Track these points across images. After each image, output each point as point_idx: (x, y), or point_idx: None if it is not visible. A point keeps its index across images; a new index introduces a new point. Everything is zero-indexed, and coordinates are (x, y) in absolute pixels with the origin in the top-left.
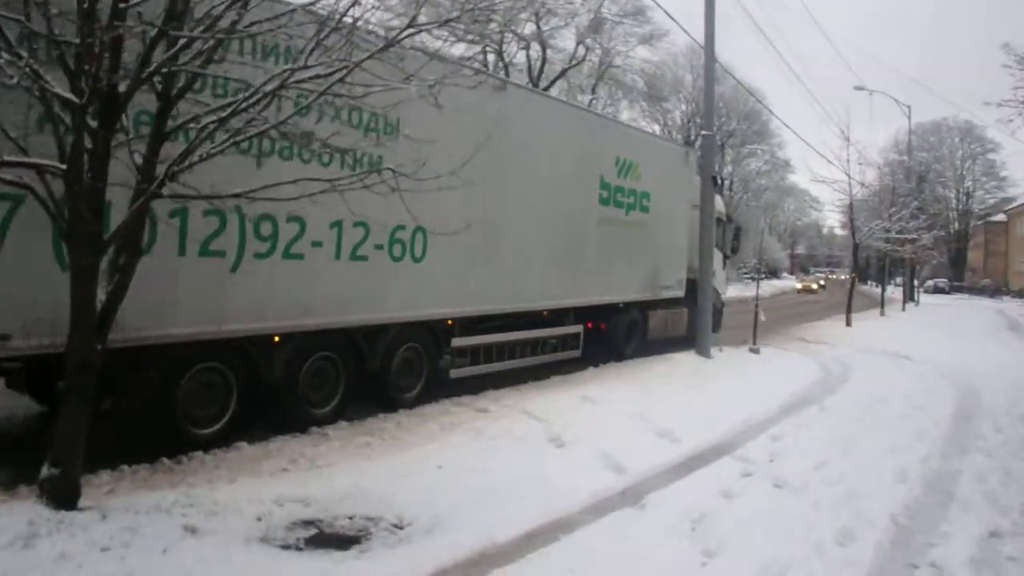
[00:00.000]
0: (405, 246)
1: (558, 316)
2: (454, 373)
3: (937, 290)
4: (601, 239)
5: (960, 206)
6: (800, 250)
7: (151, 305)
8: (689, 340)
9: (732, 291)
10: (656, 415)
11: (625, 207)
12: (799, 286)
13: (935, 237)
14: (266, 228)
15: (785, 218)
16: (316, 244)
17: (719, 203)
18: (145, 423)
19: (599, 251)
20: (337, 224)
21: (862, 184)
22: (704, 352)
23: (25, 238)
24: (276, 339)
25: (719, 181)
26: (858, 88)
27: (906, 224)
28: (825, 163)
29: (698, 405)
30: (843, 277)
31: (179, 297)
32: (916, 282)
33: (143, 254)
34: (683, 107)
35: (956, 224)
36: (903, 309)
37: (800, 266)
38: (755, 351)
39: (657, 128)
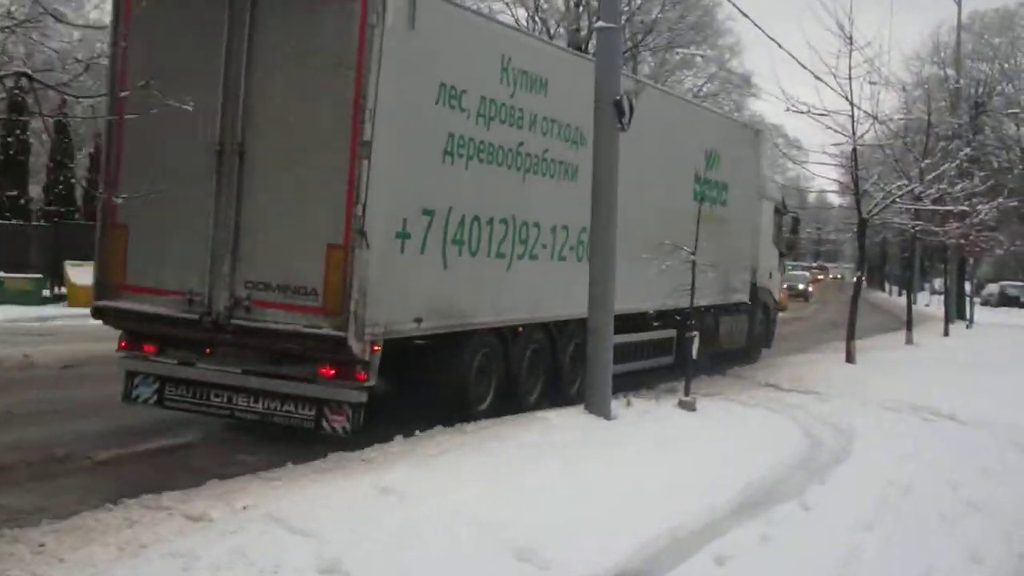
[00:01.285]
0: (584, 247)
1: (655, 320)
2: (630, 366)
3: (1005, 300)
4: (691, 237)
5: None
6: None
7: (475, 296)
8: (746, 355)
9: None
10: (512, 521)
11: (709, 201)
12: None
13: (1002, 208)
14: (523, 233)
15: None
16: (544, 246)
17: (774, 188)
18: (445, 396)
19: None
20: (553, 228)
21: (874, 118)
22: (599, 408)
23: (432, 244)
24: (519, 330)
25: (627, 110)
26: None
27: (950, 187)
28: (811, 81)
29: (587, 502)
30: (837, 276)
31: (484, 291)
32: (969, 287)
33: (473, 255)
34: None
35: None
36: (945, 333)
37: None
38: (688, 405)
39: (523, 16)
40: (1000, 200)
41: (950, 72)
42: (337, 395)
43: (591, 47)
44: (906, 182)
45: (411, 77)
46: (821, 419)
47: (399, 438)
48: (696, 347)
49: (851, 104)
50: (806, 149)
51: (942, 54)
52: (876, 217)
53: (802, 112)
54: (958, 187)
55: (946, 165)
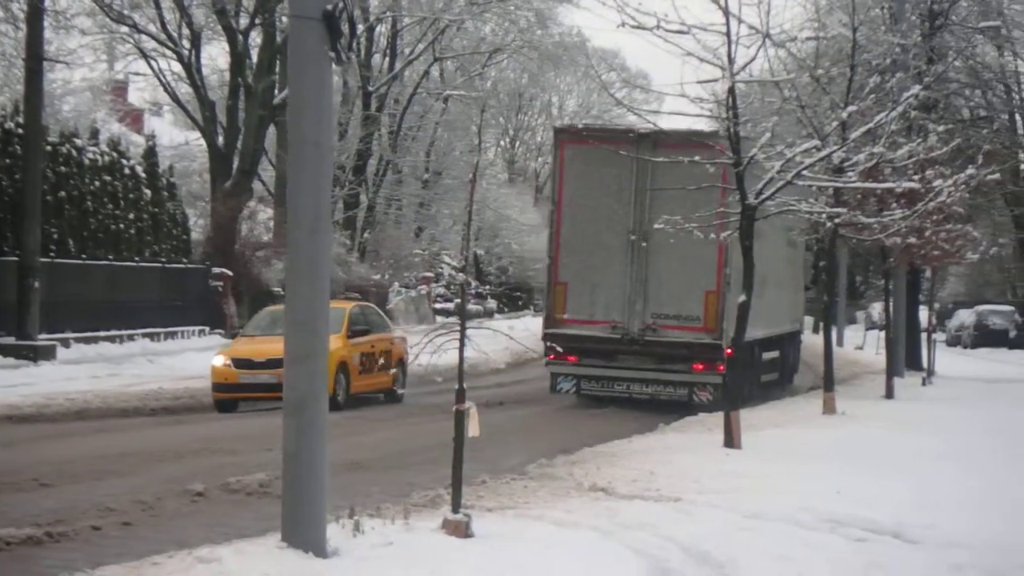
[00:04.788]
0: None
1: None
2: (764, 378)
3: (986, 336)
4: (782, 275)
5: None
6: None
7: (762, 318)
8: (780, 385)
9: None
10: None
11: (793, 246)
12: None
13: (972, 184)
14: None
15: (547, 135)
16: (767, 281)
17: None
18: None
19: (782, 286)
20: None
21: (766, 36)
22: (306, 538)
23: (735, 287)
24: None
25: (347, 30)
26: None
27: (890, 151)
28: None
29: None
30: None
31: (755, 315)
32: (926, 315)
33: (751, 292)
34: None
35: None
36: (888, 394)
37: None
38: (459, 528)
39: None
40: (971, 171)
41: None
42: (705, 379)
43: None
44: (819, 143)
45: None
46: (682, 547)
47: None
48: (475, 423)
49: (726, 14)
50: (654, 90)
51: None
52: (770, 202)
53: (647, 29)
54: (903, 150)
55: (883, 115)
